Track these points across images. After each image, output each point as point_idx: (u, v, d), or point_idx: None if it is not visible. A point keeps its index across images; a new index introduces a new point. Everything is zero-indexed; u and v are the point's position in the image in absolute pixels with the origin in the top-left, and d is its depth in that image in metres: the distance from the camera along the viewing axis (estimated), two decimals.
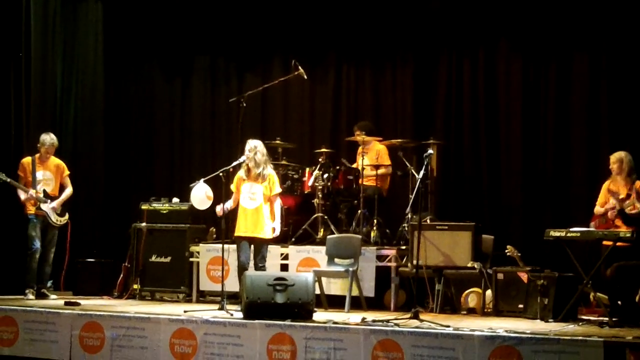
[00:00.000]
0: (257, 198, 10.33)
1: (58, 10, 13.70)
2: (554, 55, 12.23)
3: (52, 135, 11.93)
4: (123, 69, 14.56)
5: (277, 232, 10.45)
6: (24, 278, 11.65)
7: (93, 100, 14.17)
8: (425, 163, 9.87)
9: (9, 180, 11.64)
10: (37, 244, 11.64)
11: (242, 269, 10.22)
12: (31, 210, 11.68)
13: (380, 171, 12.11)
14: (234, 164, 10.43)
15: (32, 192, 11.63)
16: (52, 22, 13.59)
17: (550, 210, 11.96)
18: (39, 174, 11.78)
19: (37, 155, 11.85)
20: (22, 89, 13.03)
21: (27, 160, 11.85)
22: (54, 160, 11.97)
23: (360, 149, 12.01)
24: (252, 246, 10.39)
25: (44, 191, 11.74)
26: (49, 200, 11.73)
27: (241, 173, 10.46)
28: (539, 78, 12.35)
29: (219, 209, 10.39)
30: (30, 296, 11.51)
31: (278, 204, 10.52)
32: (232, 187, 10.46)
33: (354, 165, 12.15)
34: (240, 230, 10.36)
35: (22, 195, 11.69)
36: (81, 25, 14.14)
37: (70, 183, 12.01)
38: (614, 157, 10.01)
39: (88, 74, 14.15)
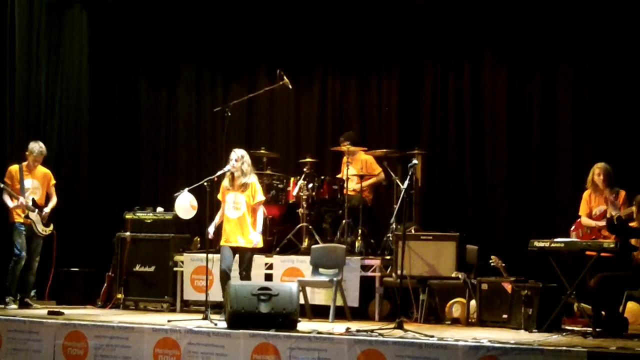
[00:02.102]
0: (240, 207, 10.32)
1: (43, 19, 13.68)
2: (538, 66, 12.28)
3: (41, 144, 11.87)
4: (108, 77, 14.50)
5: (256, 243, 10.38)
6: (6, 286, 11.59)
7: (78, 108, 14.13)
8: (410, 173, 9.87)
9: (2, 185, 11.59)
10: (23, 252, 11.58)
11: (223, 276, 10.19)
12: (18, 218, 11.63)
13: (371, 181, 12.07)
14: (219, 173, 10.42)
15: (22, 199, 11.57)
16: (36, 30, 13.56)
17: (534, 221, 12.00)
18: (27, 183, 11.73)
19: (25, 163, 11.79)
20: (7, 96, 12.99)
21: (14, 168, 11.79)
22: (41, 169, 11.92)
23: (345, 159, 12.01)
24: (237, 255, 10.38)
25: (32, 200, 11.70)
26: (36, 210, 11.69)
27: (225, 183, 10.46)
28: (523, 89, 12.41)
29: (210, 231, 10.35)
30: (12, 305, 11.44)
31: (260, 213, 10.47)
32: (219, 196, 10.46)
33: (339, 175, 12.16)
34: (224, 240, 10.36)
35: (11, 203, 11.62)
36: (66, 34, 14.12)
37: (55, 192, 11.98)
38: (601, 170, 10.04)
39: (73, 83, 14.12)
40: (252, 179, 10.43)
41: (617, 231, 9.42)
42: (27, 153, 11.78)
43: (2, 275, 11.75)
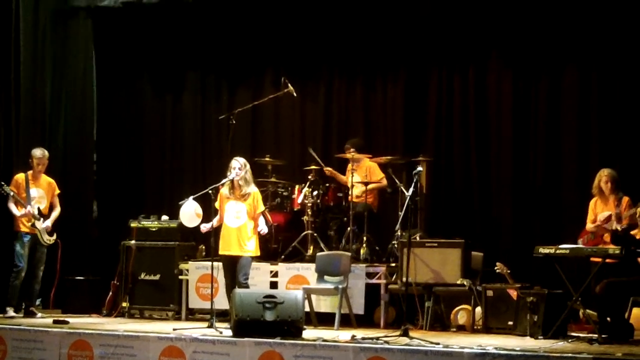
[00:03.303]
0: (241, 216, 10.32)
1: (48, 27, 13.72)
2: (544, 69, 12.23)
3: (44, 149, 11.90)
4: (114, 85, 14.53)
5: (265, 231, 10.49)
6: (6, 295, 11.58)
7: (83, 116, 14.17)
8: (415, 180, 9.88)
9: (12, 193, 11.60)
10: (24, 262, 11.56)
11: (229, 289, 10.20)
12: (23, 227, 11.63)
13: (372, 186, 12.03)
14: (224, 181, 10.42)
15: (29, 208, 11.58)
16: (41, 38, 13.61)
17: (540, 227, 11.96)
18: (33, 192, 11.73)
19: (30, 172, 11.80)
20: (12, 104, 13.02)
21: (20, 176, 11.80)
22: (46, 178, 11.93)
23: (350, 166, 12.00)
24: (237, 264, 10.34)
25: (38, 209, 11.70)
26: (42, 219, 11.69)
27: (225, 191, 10.43)
28: (529, 93, 12.35)
29: (204, 227, 10.37)
30: (11, 313, 11.42)
31: (262, 219, 10.53)
32: (216, 204, 10.44)
33: (343, 179, 12.18)
34: (224, 248, 10.36)
35: (17, 211, 11.62)
36: (71, 42, 14.14)
37: (59, 201, 11.98)
38: (608, 177, 10.01)
39: (78, 90, 14.15)
40: (254, 189, 10.45)
41: (621, 242, 9.41)
42: (30, 159, 11.78)
43: (5, 284, 11.76)
